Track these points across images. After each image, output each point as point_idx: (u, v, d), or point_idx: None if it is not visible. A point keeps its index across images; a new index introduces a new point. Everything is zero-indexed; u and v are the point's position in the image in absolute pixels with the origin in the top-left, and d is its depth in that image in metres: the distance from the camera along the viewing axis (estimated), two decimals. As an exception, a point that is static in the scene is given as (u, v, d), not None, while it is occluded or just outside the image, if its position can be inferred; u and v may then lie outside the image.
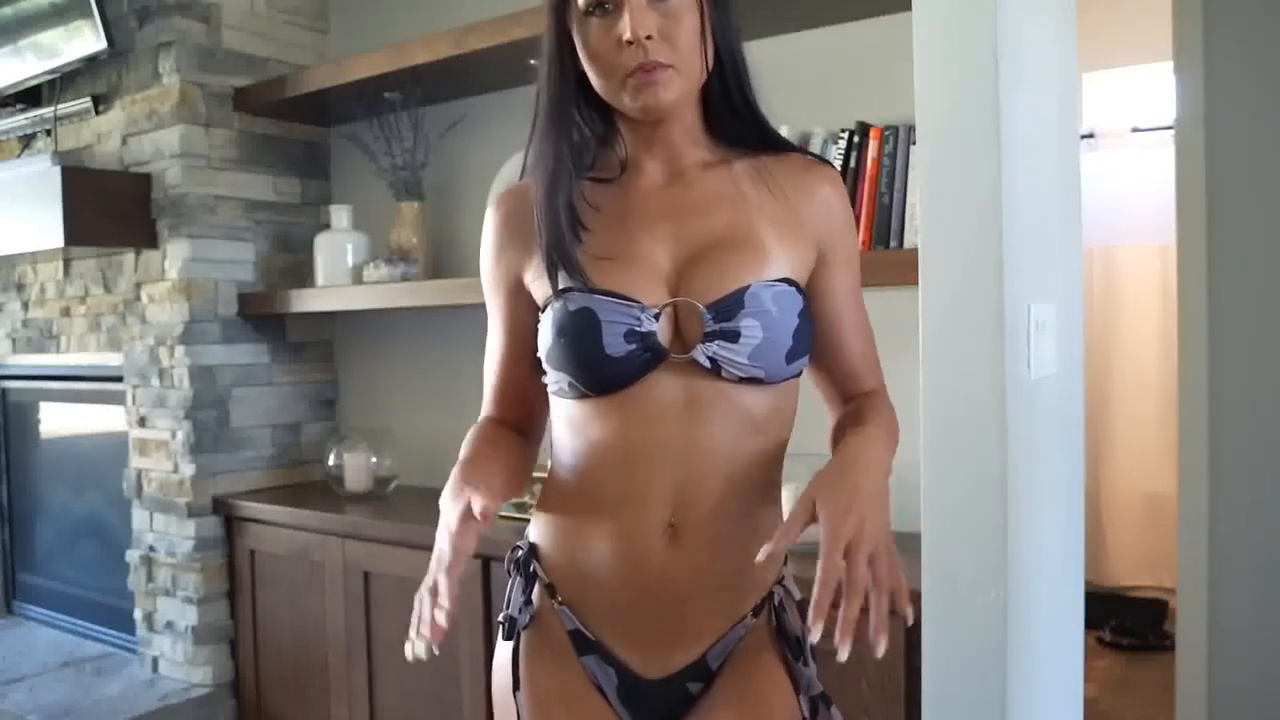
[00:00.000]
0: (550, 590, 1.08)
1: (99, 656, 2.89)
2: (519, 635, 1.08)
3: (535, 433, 1.18)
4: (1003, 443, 1.34)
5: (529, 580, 1.09)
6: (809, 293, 1.07)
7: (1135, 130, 3.94)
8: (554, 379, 1.04)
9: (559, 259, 1.03)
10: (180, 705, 2.51)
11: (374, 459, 2.55)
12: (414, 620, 0.96)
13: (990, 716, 1.36)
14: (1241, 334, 2.33)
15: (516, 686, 1.05)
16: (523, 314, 1.11)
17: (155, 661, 2.70)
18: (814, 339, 1.08)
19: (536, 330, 1.08)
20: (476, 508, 0.95)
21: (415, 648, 0.94)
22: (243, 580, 2.57)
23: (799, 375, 1.07)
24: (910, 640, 1.49)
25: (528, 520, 1.15)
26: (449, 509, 0.99)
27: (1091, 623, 2.03)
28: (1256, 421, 2.31)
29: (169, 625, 2.65)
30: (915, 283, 1.43)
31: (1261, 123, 2.30)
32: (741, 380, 1.01)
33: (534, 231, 1.06)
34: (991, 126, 1.34)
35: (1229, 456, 2.34)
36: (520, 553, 1.11)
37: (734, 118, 1.10)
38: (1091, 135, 3.94)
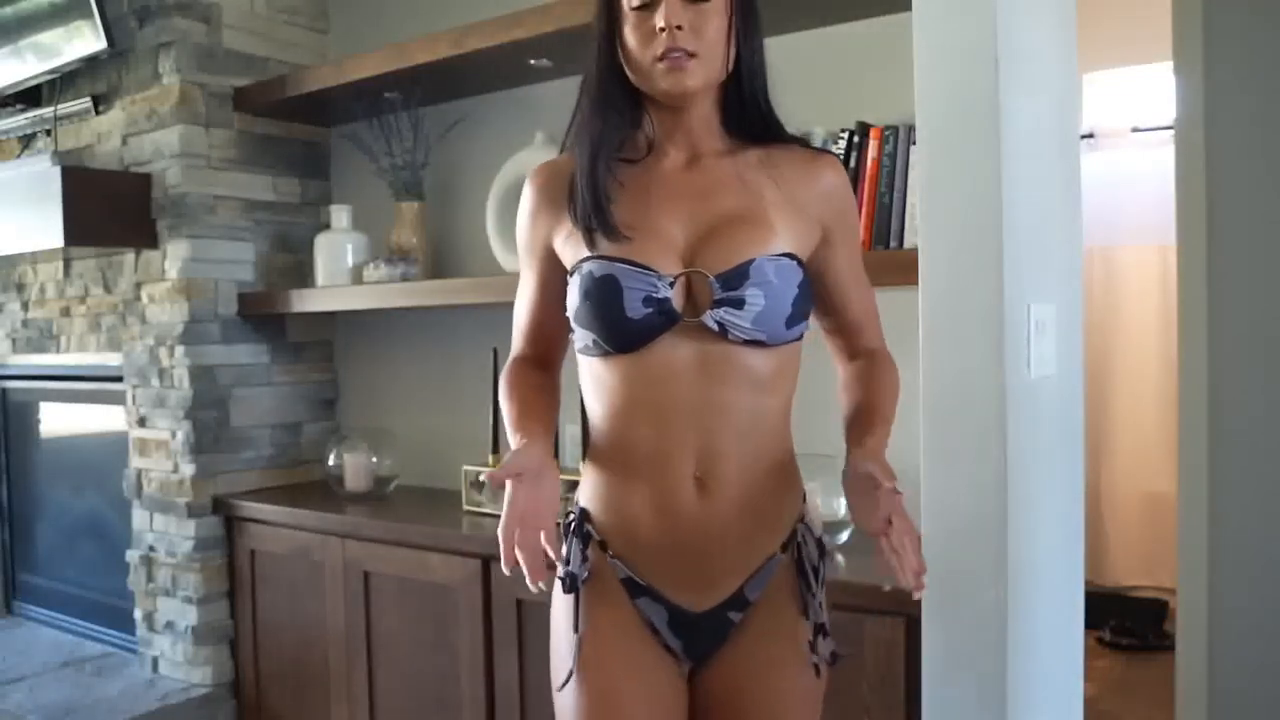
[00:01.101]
0: (602, 546, 1.21)
1: (99, 656, 2.89)
2: (579, 588, 1.20)
3: (556, 364, 1.35)
4: (1003, 443, 1.34)
5: (584, 540, 1.21)
6: (818, 266, 1.22)
7: (1135, 130, 3.93)
8: (581, 336, 1.18)
9: (597, 225, 1.16)
10: (180, 705, 2.51)
11: (374, 459, 2.55)
12: (518, 561, 1.12)
13: (990, 716, 1.36)
14: (1241, 334, 2.33)
15: (577, 628, 1.18)
16: (552, 272, 1.26)
17: (155, 661, 2.70)
18: (817, 304, 1.23)
19: (564, 285, 1.21)
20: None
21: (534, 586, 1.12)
22: (243, 580, 2.57)
23: (799, 339, 1.19)
24: (910, 640, 1.49)
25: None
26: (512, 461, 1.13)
27: (1091, 623, 2.03)
28: (1256, 421, 2.31)
29: (169, 625, 2.65)
30: (915, 283, 1.43)
31: (1261, 123, 2.30)
32: (746, 342, 1.14)
33: (565, 201, 1.21)
34: (991, 126, 1.34)
35: (1229, 456, 2.34)
36: (573, 517, 1.24)
37: (746, 115, 1.23)
38: (1091, 135, 3.93)
